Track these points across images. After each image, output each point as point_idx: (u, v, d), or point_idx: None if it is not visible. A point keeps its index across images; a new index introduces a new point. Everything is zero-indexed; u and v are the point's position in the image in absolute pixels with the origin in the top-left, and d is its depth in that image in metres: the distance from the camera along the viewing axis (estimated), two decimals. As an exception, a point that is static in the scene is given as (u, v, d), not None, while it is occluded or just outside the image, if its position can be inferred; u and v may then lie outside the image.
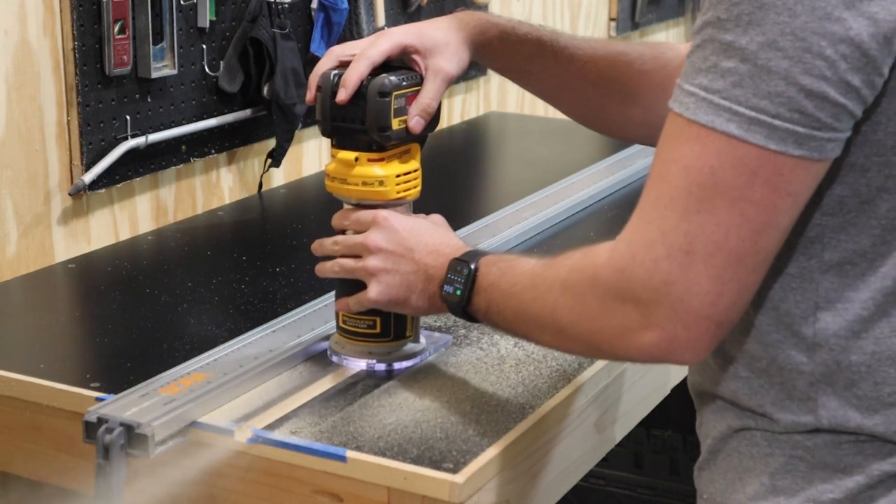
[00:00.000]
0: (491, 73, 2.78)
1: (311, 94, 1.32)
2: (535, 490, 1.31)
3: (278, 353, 1.39)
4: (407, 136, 1.31)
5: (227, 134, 2.05)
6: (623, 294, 1.04)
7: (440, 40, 1.34)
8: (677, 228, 1.01)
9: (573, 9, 3.13)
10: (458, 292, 1.23)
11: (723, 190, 0.99)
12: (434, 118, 1.33)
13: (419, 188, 1.36)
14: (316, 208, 2.16)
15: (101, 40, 1.78)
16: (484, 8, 2.62)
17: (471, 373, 1.38)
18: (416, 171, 1.34)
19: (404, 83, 1.30)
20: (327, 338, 1.43)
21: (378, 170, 1.31)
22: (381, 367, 1.38)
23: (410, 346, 1.40)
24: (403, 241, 1.29)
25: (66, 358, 1.46)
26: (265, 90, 2.04)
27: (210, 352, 1.39)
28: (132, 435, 1.20)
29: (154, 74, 1.84)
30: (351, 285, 1.33)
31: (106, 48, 1.78)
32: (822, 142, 0.98)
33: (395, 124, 1.29)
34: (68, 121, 1.78)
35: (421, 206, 1.39)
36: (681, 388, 1.69)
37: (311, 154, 2.28)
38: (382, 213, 1.31)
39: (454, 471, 1.16)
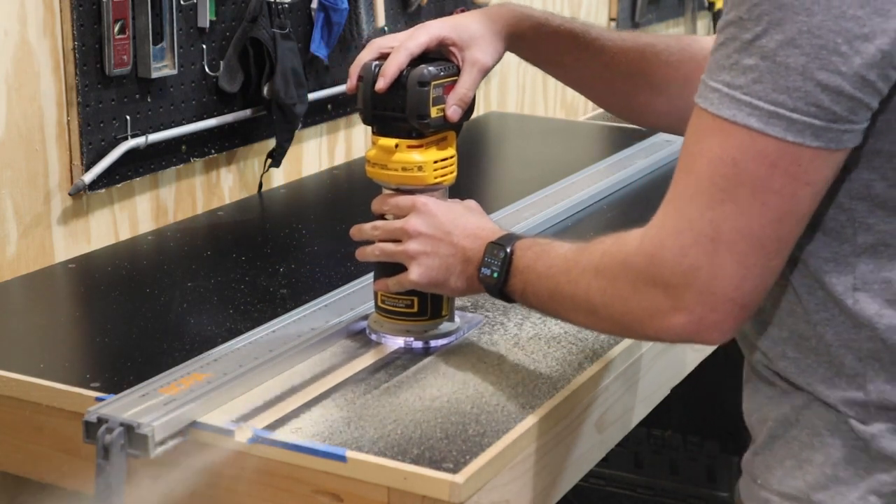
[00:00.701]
0: (491, 72, 2.78)
1: (351, 83, 1.38)
2: (535, 490, 1.31)
3: (319, 331, 1.44)
4: (444, 124, 1.37)
5: (227, 134, 2.05)
6: (653, 278, 1.10)
7: (476, 32, 1.40)
8: (703, 217, 1.06)
9: (573, 8, 3.13)
10: (496, 274, 1.29)
11: (745, 180, 1.04)
12: (469, 108, 1.39)
13: (455, 174, 1.41)
14: (316, 208, 2.16)
15: (101, 40, 1.78)
16: (483, 6, 2.61)
17: (470, 372, 1.38)
18: (452, 157, 1.40)
19: (442, 73, 1.36)
20: (365, 317, 1.49)
21: (417, 156, 1.37)
22: (419, 344, 1.44)
23: (446, 325, 1.46)
24: (442, 225, 1.36)
25: (66, 358, 1.46)
26: (265, 90, 2.04)
27: (210, 352, 1.39)
28: (132, 435, 1.20)
29: (154, 74, 1.84)
30: (389, 267, 1.40)
31: (106, 48, 1.78)
32: (839, 133, 1.03)
33: (434, 112, 1.35)
34: (68, 121, 1.78)
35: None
36: (681, 388, 1.69)
37: (311, 154, 2.28)
38: (421, 199, 1.37)
39: (454, 471, 1.16)
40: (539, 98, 2.99)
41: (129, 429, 1.20)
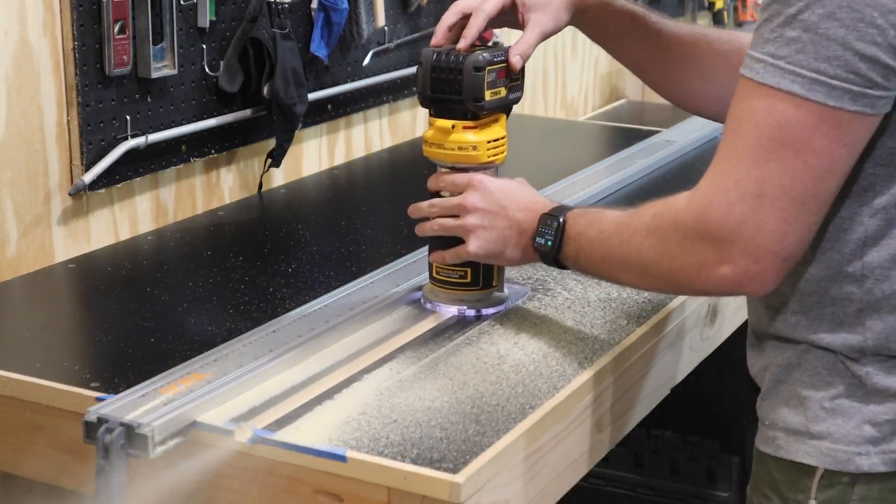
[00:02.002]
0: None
1: (436, 39, 1.48)
2: (535, 490, 1.31)
3: (380, 299, 1.54)
4: (497, 107, 1.48)
5: (227, 134, 2.05)
6: (701, 234, 1.20)
7: None
8: (749, 175, 1.16)
9: (573, 9, 3.12)
10: (550, 243, 1.40)
11: (789, 141, 1.14)
12: (521, 86, 1.50)
13: (506, 153, 1.52)
14: (316, 208, 2.16)
15: (101, 40, 1.78)
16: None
17: (470, 373, 1.38)
18: (503, 137, 1.51)
19: (496, 59, 1.45)
20: (419, 288, 1.58)
21: (472, 136, 1.47)
22: (472, 312, 1.53)
23: (497, 295, 1.55)
24: (497, 200, 1.45)
25: (66, 358, 1.46)
26: (265, 90, 2.04)
27: (210, 352, 1.39)
28: (132, 435, 1.20)
29: (154, 74, 1.84)
30: (444, 240, 1.49)
31: (106, 48, 1.78)
32: (874, 98, 1.14)
33: (488, 95, 1.45)
34: (68, 121, 1.78)
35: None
36: (681, 388, 1.69)
37: (311, 154, 2.28)
38: (477, 177, 1.47)
39: (454, 471, 1.16)
40: (539, 98, 2.99)
41: (129, 429, 1.20)
